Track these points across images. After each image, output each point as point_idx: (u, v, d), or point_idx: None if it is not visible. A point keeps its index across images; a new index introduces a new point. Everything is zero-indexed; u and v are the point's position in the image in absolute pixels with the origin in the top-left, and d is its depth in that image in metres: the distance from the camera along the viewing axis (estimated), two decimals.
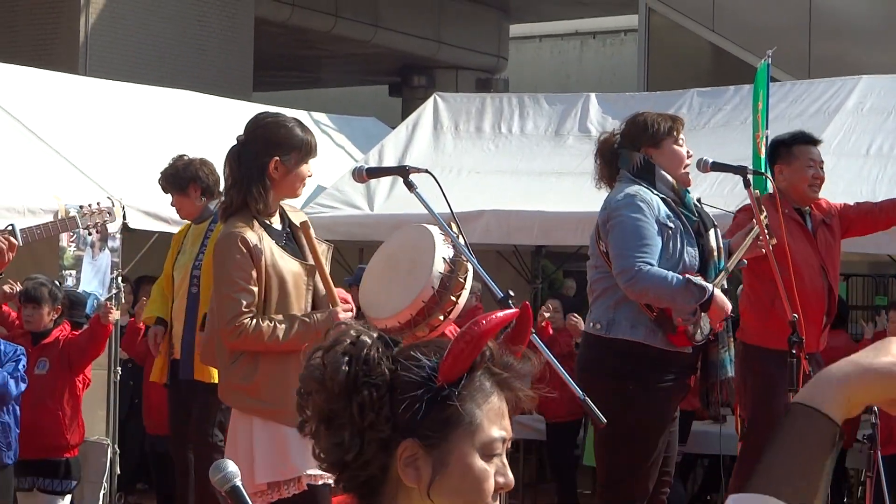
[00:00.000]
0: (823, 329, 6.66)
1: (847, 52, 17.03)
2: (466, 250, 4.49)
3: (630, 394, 5.51)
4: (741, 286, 6.96)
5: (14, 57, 13.04)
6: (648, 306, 5.51)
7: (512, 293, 4.25)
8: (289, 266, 4.87)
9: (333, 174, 11.67)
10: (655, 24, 19.19)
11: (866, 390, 1.59)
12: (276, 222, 4.98)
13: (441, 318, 4.60)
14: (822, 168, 6.83)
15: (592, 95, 12.22)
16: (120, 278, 9.58)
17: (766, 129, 9.14)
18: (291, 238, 5.02)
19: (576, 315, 9.28)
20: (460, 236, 4.54)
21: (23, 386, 6.95)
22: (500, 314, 2.01)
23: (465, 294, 4.64)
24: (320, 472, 4.54)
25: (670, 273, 5.45)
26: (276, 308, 4.83)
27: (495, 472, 2.00)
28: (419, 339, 4.67)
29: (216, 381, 6.58)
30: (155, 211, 9.51)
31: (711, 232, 5.71)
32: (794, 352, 5.81)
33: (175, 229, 7.93)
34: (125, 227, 9.55)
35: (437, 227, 4.64)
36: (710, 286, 5.47)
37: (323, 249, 5.05)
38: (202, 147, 8.40)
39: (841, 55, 16.91)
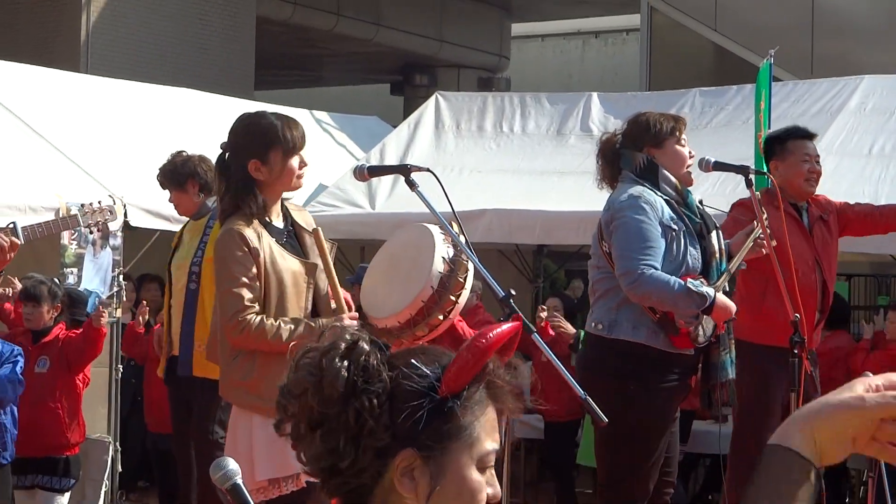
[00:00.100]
0: (817, 325, 6.62)
1: (850, 52, 17.03)
2: (468, 249, 4.48)
3: (631, 394, 5.51)
4: None
5: (16, 55, 13.04)
6: (652, 308, 5.51)
7: (513, 292, 4.25)
8: (288, 264, 4.87)
9: (335, 173, 11.67)
10: (657, 24, 19.19)
11: (829, 425, 1.68)
12: (277, 220, 4.97)
13: (440, 317, 4.59)
14: (817, 162, 6.79)
15: (594, 95, 12.22)
16: (121, 276, 9.58)
17: (769, 128, 9.13)
18: (293, 236, 5.01)
19: (557, 316, 9.25)
20: (461, 235, 4.53)
21: (20, 389, 6.95)
22: (504, 328, 2.01)
23: (464, 294, 4.63)
24: None
25: (673, 278, 5.43)
26: (276, 306, 4.83)
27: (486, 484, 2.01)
28: (419, 338, 4.68)
29: (215, 377, 6.59)
30: (156, 209, 9.51)
31: (713, 234, 5.70)
32: (795, 351, 5.81)
33: (176, 227, 7.93)
34: (126, 226, 9.55)
35: (438, 226, 4.64)
36: (711, 293, 5.45)
37: (327, 248, 5.04)
38: (204, 146, 8.38)
39: (843, 55, 16.91)
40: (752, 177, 5.94)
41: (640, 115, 5.82)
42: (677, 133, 5.72)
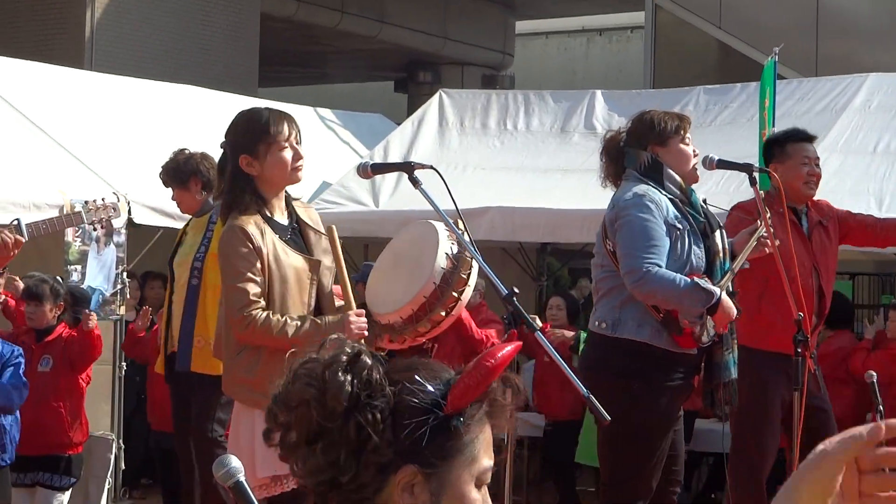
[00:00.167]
0: (814, 331, 6.57)
1: (854, 50, 17.02)
2: (471, 247, 4.48)
3: (635, 392, 5.50)
4: None
5: (19, 52, 13.05)
6: (655, 307, 5.49)
7: (517, 290, 4.25)
8: (291, 261, 4.87)
9: (339, 170, 11.67)
10: (662, 21, 19.18)
11: (808, 486, 1.73)
12: (280, 217, 4.97)
13: (443, 314, 4.58)
14: (817, 165, 6.72)
15: (598, 92, 12.21)
16: (125, 273, 9.58)
17: (773, 126, 9.13)
18: (297, 233, 5.01)
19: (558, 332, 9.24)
20: (465, 233, 4.52)
21: (26, 392, 6.95)
22: (509, 349, 2.02)
23: (468, 290, 4.62)
24: None
25: (678, 275, 5.43)
26: (279, 302, 4.83)
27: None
28: (422, 334, 4.67)
29: (214, 373, 6.59)
30: (160, 206, 9.51)
31: (717, 233, 5.69)
32: (799, 350, 5.81)
33: (180, 225, 7.93)
34: (130, 223, 9.56)
35: (443, 223, 4.63)
36: (717, 290, 5.45)
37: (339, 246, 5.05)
38: (207, 143, 8.37)
39: (848, 53, 16.90)
40: (755, 175, 5.94)
41: (644, 114, 5.81)
42: (682, 132, 5.71)
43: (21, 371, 6.97)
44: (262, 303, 4.77)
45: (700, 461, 9.98)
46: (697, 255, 5.57)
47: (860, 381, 8.63)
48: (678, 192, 5.64)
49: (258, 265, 4.78)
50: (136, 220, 9.63)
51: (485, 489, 2.03)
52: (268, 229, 4.85)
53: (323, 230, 5.08)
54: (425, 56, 25.36)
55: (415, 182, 4.60)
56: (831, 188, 9.18)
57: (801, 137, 6.78)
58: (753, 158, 7.48)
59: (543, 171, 11.37)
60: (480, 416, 2.01)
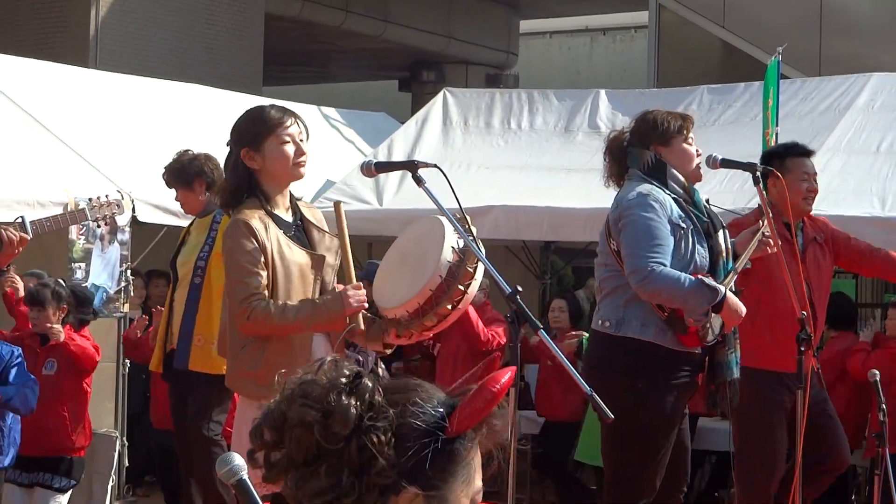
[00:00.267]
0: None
1: (857, 50, 17.01)
2: (474, 245, 4.48)
3: (640, 391, 5.50)
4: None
5: (24, 51, 13.06)
6: (660, 306, 5.50)
7: (520, 289, 4.25)
8: (295, 257, 4.88)
9: (343, 169, 11.68)
10: (666, 21, 19.18)
11: None
12: (285, 214, 4.98)
13: (449, 307, 4.58)
14: (815, 180, 6.65)
15: (602, 92, 12.21)
16: (129, 271, 9.59)
17: (776, 126, 9.15)
18: (301, 231, 5.02)
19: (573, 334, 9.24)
20: (469, 233, 4.53)
21: (37, 389, 6.96)
22: (509, 374, 2.04)
23: (474, 284, 4.61)
24: None
25: (683, 274, 5.43)
26: (283, 297, 4.84)
27: None
28: (428, 328, 4.67)
29: (212, 372, 6.61)
30: (164, 204, 9.52)
31: (720, 233, 5.70)
32: (802, 349, 5.81)
33: (184, 223, 7.95)
34: (134, 221, 9.56)
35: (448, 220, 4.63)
36: (722, 288, 5.45)
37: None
38: (211, 142, 8.38)
39: (851, 53, 16.89)
40: (759, 174, 5.94)
41: (647, 114, 5.81)
42: (685, 131, 5.71)
43: (23, 370, 6.98)
44: (264, 294, 4.78)
45: (703, 460, 9.98)
46: (701, 254, 5.57)
47: (859, 381, 8.64)
48: (681, 192, 5.65)
49: (262, 260, 4.79)
50: (140, 219, 9.64)
51: None
52: (272, 224, 4.86)
53: (327, 228, 5.09)
54: (429, 55, 25.36)
55: (418, 181, 4.61)
56: (834, 188, 9.18)
57: (800, 152, 6.71)
58: (757, 158, 7.47)
59: (547, 170, 11.37)
60: (476, 438, 2.03)
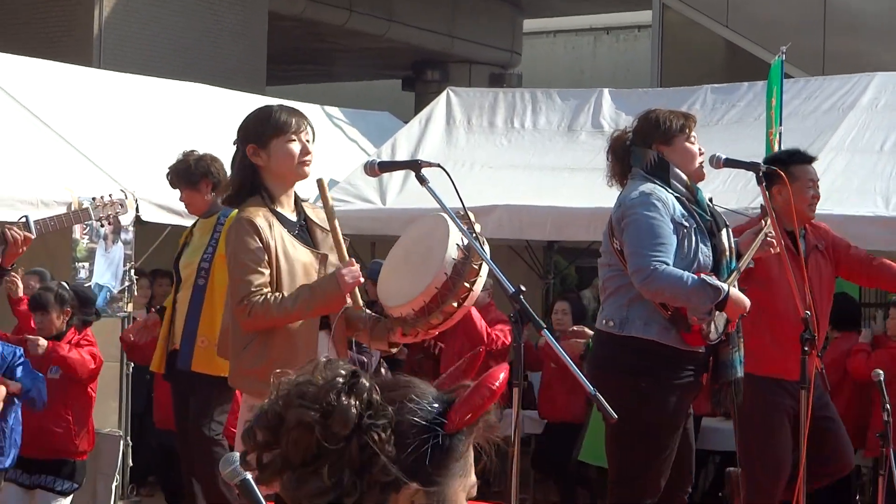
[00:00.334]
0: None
1: (861, 49, 17.00)
2: (478, 244, 4.47)
3: (643, 391, 5.50)
4: None
5: (28, 50, 13.06)
6: (663, 305, 5.50)
7: (523, 288, 4.25)
8: (299, 255, 4.88)
9: (346, 168, 11.68)
10: (669, 20, 19.18)
11: None
12: (289, 213, 4.98)
13: (455, 304, 4.57)
14: (817, 187, 6.63)
15: (605, 91, 12.21)
16: (133, 271, 9.60)
17: (780, 125, 9.14)
18: (305, 230, 5.02)
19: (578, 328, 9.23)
20: (474, 231, 4.52)
21: (44, 387, 6.97)
22: (504, 371, 2.07)
23: (479, 281, 4.60)
24: None
25: (686, 273, 5.43)
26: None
27: None
28: (434, 326, 4.67)
29: (215, 374, 6.61)
30: (168, 204, 9.52)
31: (724, 232, 5.70)
32: (806, 349, 5.80)
33: (188, 223, 7.95)
34: (138, 220, 9.57)
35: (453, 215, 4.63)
36: (725, 286, 5.45)
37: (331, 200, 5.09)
38: (215, 141, 8.41)
39: (855, 52, 16.88)
40: (762, 174, 5.93)
41: (649, 113, 5.81)
42: (687, 130, 5.71)
43: (30, 367, 6.99)
44: (263, 291, 4.78)
45: (707, 460, 9.98)
46: (704, 252, 5.57)
47: (859, 382, 8.64)
48: (684, 191, 5.65)
49: (265, 259, 4.80)
50: (144, 218, 9.64)
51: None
52: (276, 222, 4.87)
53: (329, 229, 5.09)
54: (433, 54, 25.36)
55: (422, 180, 4.60)
56: (838, 187, 9.18)
57: (804, 159, 6.69)
58: (760, 157, 7.47)
59: (551, 169, 11.37)
60: (472, 434, 2.05)
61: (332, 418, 1.95)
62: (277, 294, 4.78)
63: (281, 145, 4.89)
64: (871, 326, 9.75)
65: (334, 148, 12.38)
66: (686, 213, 5.57)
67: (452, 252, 4.55)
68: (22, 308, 8.26)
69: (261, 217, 4.83)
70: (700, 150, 5.75)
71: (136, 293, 9.73)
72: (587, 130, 11.72)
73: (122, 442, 9.25)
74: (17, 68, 10.93)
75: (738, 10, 18.19)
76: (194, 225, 7.54)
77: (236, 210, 5.05)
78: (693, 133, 5.74)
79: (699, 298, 5.43)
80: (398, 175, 11.03)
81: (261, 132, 4.91)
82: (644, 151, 5.69)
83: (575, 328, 9.40)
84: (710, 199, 5.83)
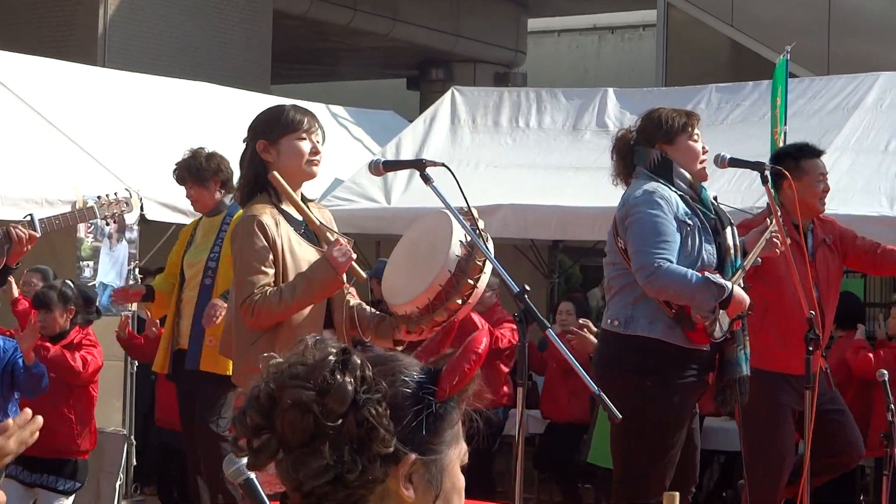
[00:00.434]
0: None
1: (866, 49, 16.99)
2: (482, 243, 4.47)
3: (649, 390, 5.50)
4: None
5: (33, 49, 13.07)
6: (667, 303, 5.50)
7: (528, 288, 4.25)
8: (305, 254, 4.89)
9: (351, 167, 11.68)
10: (674, 19, 19.17)
11: None
12: (295, 211, 4.99)
13: (459, 302, 4.57)
14: (827, 180, 6.66)
15: (610, 90, 12.21)
16: (137, 270, 9.60)
17: (785, 125, 9.13)
18: (310, 229, 5.02)
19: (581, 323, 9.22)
20: (478, 229, 4.52)
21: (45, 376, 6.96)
22: (486, 336, 2.11)
23: (483, 278, 4.60)
24: None
25: (689, 271, 5.43)
26: None
27: None
28: (438, 323, 4.67)
29: (223, 372, 6.62)
30: (172, 203, 9.53)
31: (728, 230, 5.69)
32: (810, 349, 5.80)
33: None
34: (142, 219, 9.57)
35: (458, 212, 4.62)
36: (729, 284, 5.45)
37: (328, 216, 5.08)
38: (220, 139, 8.42)
39: (860, 52, 16.87)
40: (767, 173, 5.93)
41: (653, 112, 5.81)
42: (689, 129, 5.71)
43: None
44: (267, 291, 4.78)
45: (711, 459, 9.98)
46: (708, 251, 5.57)
47: (863, 380, 8.63)
48: (688, 189, 5.65)
49: (270, 258, 4.80)
50: (149, 217, 9.64)
51: None
52: (282, 220, 4.88)
53: (336, 228, 5.09)
54: (438, 54, 25.35)
55: (426, 179, 4.60)
56: (843, 187, 9.17)
57: (813, 153, 6.70)
58: (765, 157, 7.46)
59: (555, 168, 11.37)
60: (462, 401, 2.08)
61: (329, 396, 1.96)
62: (274, 290, 4.77)
63: (291, 143, 4.91)
64: (874, 327, 9.74)
65: (339, 147, 12.38)
66: (689, 212, 5.57)
67: (456, 249, 4.55)
68: (20, 308, 8.26)
69: (267, 215, 4.84)
70: (704, 148, 5.75)
71: None
72: (592, 130, 11.71)
73: (125, 441, 9.25)
74: (22, 67, 10.93)
75: (743, 10, 18.18)
76: (196, 222, 7.54)
77: (241, 209, 5.05)
78: (696, 131, 5.74)
79: (703, 296, 5.43)
80: (403, 174, 11.03)
81: (272, 129, 4.93)
82: (647, 151, 5.70)
83: (581, 321, 9.39)
84: (715, 198, 5.83)
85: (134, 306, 9.61)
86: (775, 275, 6.20)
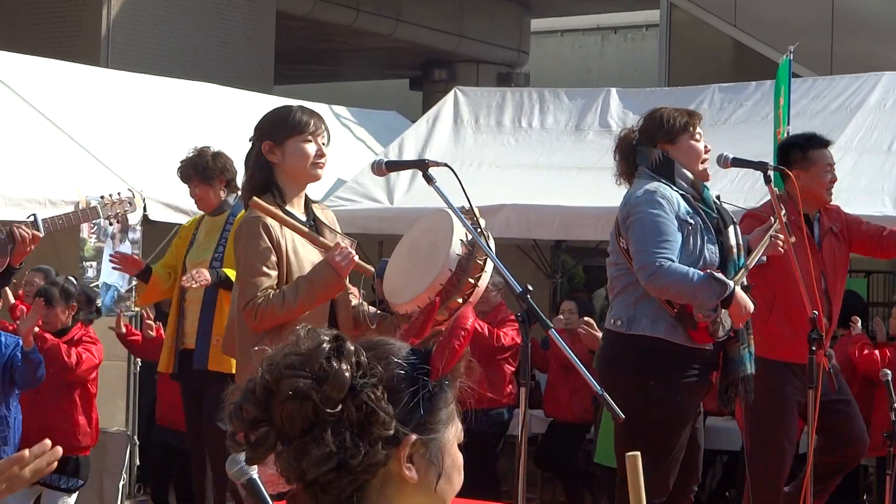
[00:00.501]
0: (826, 334, 6.51)
1: (869, 49, 16.98)
2: (483, 242, 4.47)
3: (652, 389, 5.50)
4: None
5: (36, 49, 13.08)
6: (669, 303, 5.50)
7: (531, 288, 4.25)
8: (309, 254, 4.89)
9: (354, 167, 11.68)
10: (677, 19, 19.16)
11: None
12: (299, 213, 4.99)
13: (460, 300, 4.57)
14: (835, 170, 6.70)
15: (613, 90, 12.21)
16: None
17: (788, 125, 9.13)
18: (314, 230, 5.02)
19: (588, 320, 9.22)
20: (479, 228, 4.52)
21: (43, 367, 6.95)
22: (471, 313, 2.16)
23: (485, 277, 4.60)
24: None
25: (691, 269, 5.43)
26: None
27: None
28: (439, 322, 4.66)
29: (230, 371, 6.62)
30: (175, 203, 9.53)
31: (731, 229, 5.69)
32: (813, 349, 5.80)
33: None
34: (145, 219, 9.57)
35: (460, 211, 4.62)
36: (731, 282, 5.45)
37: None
38: (223, 140, 8.41)
39: (863, 52, 16.86)
40: (770, 173, 5.94)
41: (654, 111, 5.82)
42: (691, 128, 5.71)
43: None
44: (269, 293, 4.78)
45: (714, 459, 9.98)
46: (711, 250, 5.57)
47: (866, 378, 8.62)
48: (689, 189, 5.65)
49: (273, 259, 4.80)
50: (152, 217, 9.64)
51: None
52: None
53: (339, 229, 5.10)
54: (440, 54, 25.35)
55: (429, 179, 4.60)
56: (846, 187, 9.16)
57: (821, 143, 6.73)
58: (768, 157, 7.47)
59: (558, 168, 11.37)
60: (455, 379, 2.10)
61: (326, 383, 1.97)
62: (276, 292, 4.77)
63: (296, 145, 4.91)
64: (874, 327, 9.73)
65: (342, 147, 12.38)
66: (691, 211, 5.57)
67: (456, 248, 4.55)
68: (19, 315, 8.26)
69: (271, 217, 4.84)
70: (706, 147, 5.75)
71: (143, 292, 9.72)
72: (595, 130, 11.72)
73: (129, 441, 9.26)
74: (25, 68, 10.94)
75: (746, 10, 18.17)
76: (198, 221, 7.54)
77: (244, 209, 5.06)
78: (698, 131, 5.74)
79: (705, 294, 5.43)
80: (406, 174, 11.03)
81: (278, 130, 4.93)
82: (649, 150, 5.70)
83: (585, 319, 9.38)
84: (718, 197, 5.83)
85: (136, 308, 9.61)
86: (783, 265, 6.19)
